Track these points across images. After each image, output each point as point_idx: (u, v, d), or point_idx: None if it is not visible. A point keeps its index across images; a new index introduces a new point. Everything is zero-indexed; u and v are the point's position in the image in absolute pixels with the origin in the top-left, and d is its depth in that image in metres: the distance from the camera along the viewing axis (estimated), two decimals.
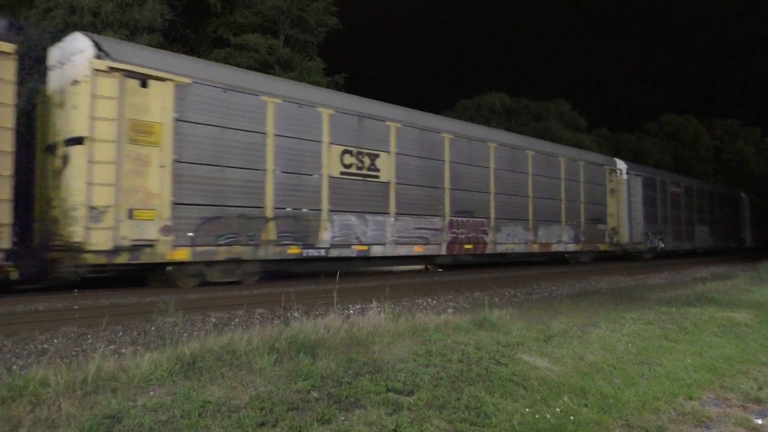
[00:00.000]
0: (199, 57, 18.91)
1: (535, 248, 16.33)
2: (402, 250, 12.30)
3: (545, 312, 7.18)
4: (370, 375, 3.84)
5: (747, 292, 10.09)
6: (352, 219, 11.35)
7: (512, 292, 9.95)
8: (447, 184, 13.64)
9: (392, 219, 12.11)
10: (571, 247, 17.92)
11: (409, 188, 12.69)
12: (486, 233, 14.62)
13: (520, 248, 15.70)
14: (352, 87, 27.85)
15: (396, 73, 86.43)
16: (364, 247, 11.51)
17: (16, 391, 3.16)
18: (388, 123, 12.34)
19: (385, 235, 11.93)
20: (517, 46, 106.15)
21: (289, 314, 6.60)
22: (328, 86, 21.45)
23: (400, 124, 12.58)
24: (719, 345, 5.35)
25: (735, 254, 31.71)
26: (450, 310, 7.22)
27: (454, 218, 13.71)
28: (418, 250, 12.72)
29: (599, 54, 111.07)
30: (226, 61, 19.05)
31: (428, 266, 15.77)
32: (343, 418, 3.08)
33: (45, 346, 4.91)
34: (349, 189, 11.38)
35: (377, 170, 11.95)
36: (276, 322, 5.86)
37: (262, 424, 2.93)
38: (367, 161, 11.76)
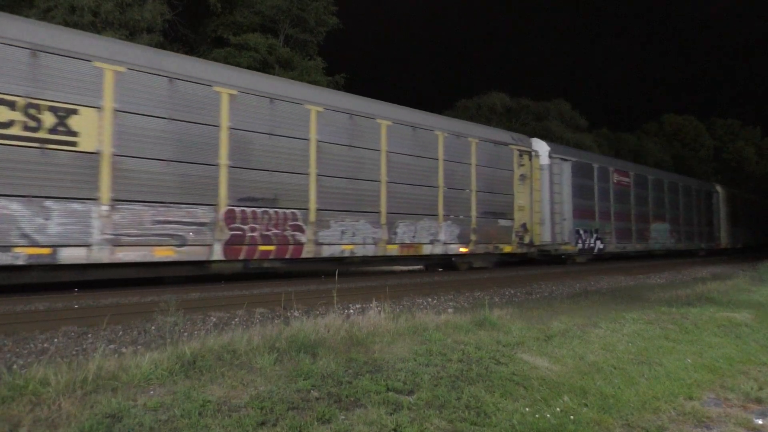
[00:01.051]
0: (199, 57, 18.93)
1: (393, 250, 12.05)
2: (130, 255, 8.35)
3: (545, 312, 7.19)
4: (370, 374, 3.84)
5: (747, 292, 10.09)
6: (13, 207, 7.40)
7: (512, 291, 9.95)
8: (224, 159, 9.50)
9: (105, 208, 8.14)
10: (456, 249, 13.62)
11: (144, 163, 8.59)
12: (301, 230, 10.42)
13: (366, 250, 11.52)
14: (352, 87, 27.89)
15: (396, 73, 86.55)
16: (43, 251, 7.59)
17: (17, 390, 3.17)
18: (97, 64, 8.23)
19: (90, 231, 8.00)
20: (517, 46, 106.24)
21: (289, 314, 6.60)
22: (328, 86, 21.48)
23: (124, 68, 8.47)
24: (719, 345, 5.35)
25: (706, 257, 27.46)
26: (450, 310, 7.23)
27: (238, 208, 9.61)
28: (163, 253, 8.69)
29: (599, 54, 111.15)
30: (225, 60, 19.06)
31: (428, 266, 15.72)
32: (344, 417, 3.08)
33: (45, 345, 4.91)
34: (6, 160, 7.42)
35: (73, 134, 7.93)
36: (276, 321, 5.86)
37: (263, 424, 2.93)
38: (48, 119, 7.73)
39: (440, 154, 13.48)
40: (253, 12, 21.51)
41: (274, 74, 19.44)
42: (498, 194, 15.13)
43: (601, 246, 19.21)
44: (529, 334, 5.42)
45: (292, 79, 18.33)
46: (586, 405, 3.46)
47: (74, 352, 4.60)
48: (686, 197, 26.11)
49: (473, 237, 14.17)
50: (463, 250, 13.88)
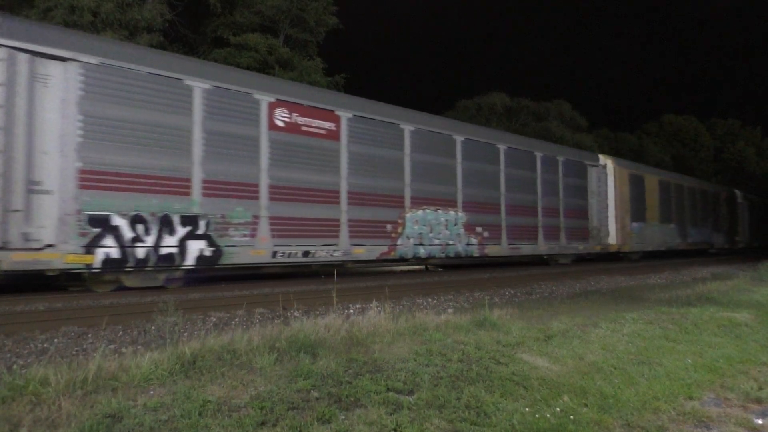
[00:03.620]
0: (199, 57, 18.94)
1: None
2: None
3: (545, 312, 7.18)
4: (370, 374, 3.84)
5: (747, 292, 10.09)
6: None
7: (512, 292, 9.95)
8: None
9: None
10: None
11: None
12: None
13: None
14: (352, 87, 27.92)
15: (396, 73, 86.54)
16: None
17: (17, 390, 3.16)
18: None
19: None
20: (517, 46, 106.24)
21: (289, 314, 6.60)
22: (328, 86, 21.48)
23: None
24: (719, 345, 5.34)
25: (574, 266, 17.40)
26: (450, 310, 7.22)
27: None
28: None
29: (599, 54, 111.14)
30: (225, 61, 19.07)
31: (428, 266, 15.73)
32: (344, 417, 3.08)
33: (45, 345, 4.91)
34: None
35: None
36: (276, 321, 5.86)
37: (263, 424, 2.93)
38: None
39: None
40: (253, 12, 21.50)
41: (274, 74, 19.43)
42: None
43: (230, 248, 9.53)
44: (529, 334, 5.42)
45: (292, 79, 18.33)
46: (586, 405, 3.45)
47: (74, 352, 4.60)
48: (516, 168, 15.91)
49: None
50: None
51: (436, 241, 13.44)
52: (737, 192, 33.14)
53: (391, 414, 3.14)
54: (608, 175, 19.62)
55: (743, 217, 33.01)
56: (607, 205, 19.44)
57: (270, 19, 21.83)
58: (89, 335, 5.34)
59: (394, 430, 2.93)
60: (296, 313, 6.58)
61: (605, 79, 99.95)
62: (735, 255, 29.77)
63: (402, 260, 13.06)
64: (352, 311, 6.95)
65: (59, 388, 3.21)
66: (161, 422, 2.88)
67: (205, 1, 20.36)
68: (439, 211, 13.61)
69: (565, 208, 17.78)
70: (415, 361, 4.25)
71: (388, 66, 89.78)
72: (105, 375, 3.52)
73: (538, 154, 16.97)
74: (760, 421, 3.38)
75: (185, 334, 5.19)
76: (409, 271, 14.91)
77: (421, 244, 13.03)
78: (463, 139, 14.44)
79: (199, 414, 2.99)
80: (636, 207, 21.00)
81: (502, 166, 15.56)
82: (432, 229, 13.34)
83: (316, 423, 2.96)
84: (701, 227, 27.18)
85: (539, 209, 16.74)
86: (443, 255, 13.62)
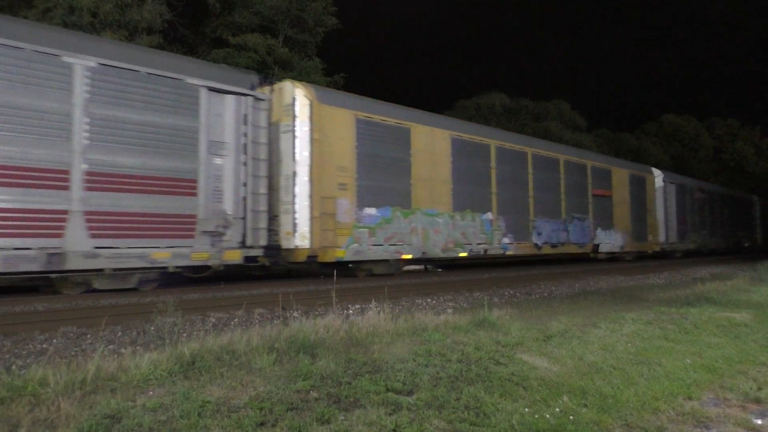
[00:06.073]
0: (198, 57, 18.94)
1: None
2: None
3: (545, 312, 7.18)
4: (369, 375, 3.84)
5: (746, 292, 10.09)
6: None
7: (511, 292, 9.95)
8: None
9: None
10: None
11: None
12: None
13: None
14: (352, 87, 27.86)
15: (396, 73, 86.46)
16: None
17: (16, 391, 3.16)
18: None
19: None
20: (517, 46, 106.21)
21: (288, 314, 6.60)
22: (327, 86, 21.45)
23: None
24: (719, 345, 5.35)
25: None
26: (449, 310, 7.22)
27: None
28: None
29: (599, 54, 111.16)
30: (224, 61, 19.05)
31: (428, 266, 15.75)
32: (343, 418, 3.08)
33: (44, 346, 4.90)
34: None
35: None
36: (275, 322, 5.86)
37: (262, 424, 2.93)
38: None
39: None
40: (252, 12, 21.49)
41: (272, 75, 19.42)
42: None
43: None
44: (529, 334, 5.42)
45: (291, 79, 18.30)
46: (585, 405, 3.45)
47: (73, 353, 4.59)
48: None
49: None
50: None
51: None
52: (655, 171, 23.48)
53: (390, 414, 3.14)
54: (295, 118, 10.60)
55: (668, 208, 23.58)
56: (291, 175, 10.56)
57: (269, 19, 21.81)
58: (88, 336, 5.34)
59: (394, 430, 2.93)
60: (295, 314, 6.58)
61: (605, 79, 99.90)
62: (651, 261, 21.24)
63: None
64: (351, 311, 6.94)
65: (58, 389, 3.21)
66: (160, 423, 2.88)
67: (204, 1, 20.37)
68: None
69: (101, 170, 8.20)
70: (415, 361, 4.25)
71: (388, 66, 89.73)
72: (104, 376, 3.51)
73: None
74: (759, 422, 3.38)
75: (184, 334, 5.19)
76: (408, 272, 14.92)
77: None
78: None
79: (198, 414, 2.99)
80: (378, 181, 12.04)
81: None
82: None
83: (315, 423, 2.96)
84: (574, 221, 17.62)
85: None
86: None
